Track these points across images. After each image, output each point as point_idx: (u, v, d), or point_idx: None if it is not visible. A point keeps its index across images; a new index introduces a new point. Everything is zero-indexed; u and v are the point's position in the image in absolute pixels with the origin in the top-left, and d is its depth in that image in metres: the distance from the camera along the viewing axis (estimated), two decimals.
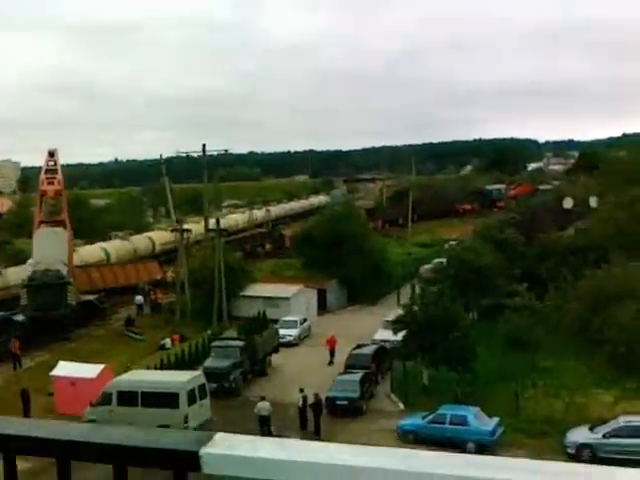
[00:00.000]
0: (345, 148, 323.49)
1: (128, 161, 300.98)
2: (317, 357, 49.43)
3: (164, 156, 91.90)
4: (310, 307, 62.65)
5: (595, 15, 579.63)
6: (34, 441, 2.10)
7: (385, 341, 48.70)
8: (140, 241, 78.31)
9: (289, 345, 53.02)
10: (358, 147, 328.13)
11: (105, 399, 38.08)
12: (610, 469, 1.78)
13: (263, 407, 37.33)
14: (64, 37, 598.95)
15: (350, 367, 44.03)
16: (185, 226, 66.14)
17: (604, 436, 33.27)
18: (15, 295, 56.88)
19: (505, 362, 44.15)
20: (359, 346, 47.54)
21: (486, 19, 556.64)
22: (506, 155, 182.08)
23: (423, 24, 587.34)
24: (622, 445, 32.55)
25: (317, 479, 1.86)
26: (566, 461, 32.37)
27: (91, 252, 69.89)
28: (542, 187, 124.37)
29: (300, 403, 38.52)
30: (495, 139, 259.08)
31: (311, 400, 38.41)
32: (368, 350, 46.55)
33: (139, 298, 63.55)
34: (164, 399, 36.65)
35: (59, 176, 60.01)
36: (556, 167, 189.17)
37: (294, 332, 55.12)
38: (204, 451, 1.90)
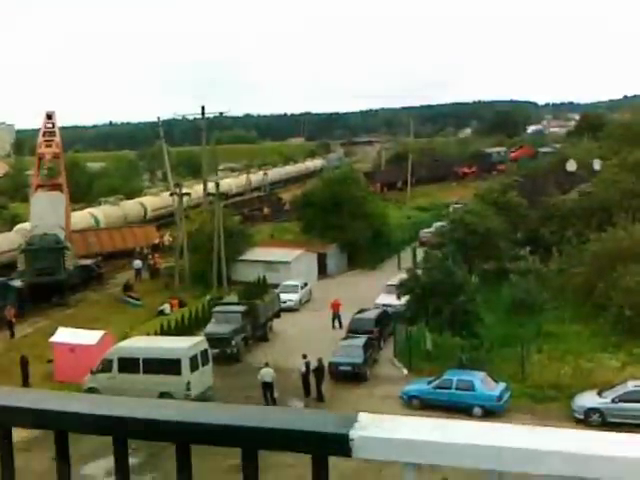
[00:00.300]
0: (342, 110, 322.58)
1: (123, 124, 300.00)
2: (319, 322, 49.09)
3: (160, 119, 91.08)
4: (310, 272, 62.29)
5: None
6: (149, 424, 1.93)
7: (387, 305, 48.39)
8: (131, 207, 77.72)
9: (290, 310, 52.65)
10: (355, 109, 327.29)
11: (105, 366, 37.87)
12: None
13: (267, 373, 37.06)
14: None
15: (353, 332, 43.73)
16: (184, 190, 65.52)
17: (613, 401, 33.07)
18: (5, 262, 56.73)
19: (510, 327, 43.98)
20: (362, 311, 47.18)
21: None
22: (506, 117, 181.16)
23: None
24: (632, 409, 32.41)
25: (483, 463, 1.72)
26: (573, 426, 32.34)
27: (79, 218, 68.71)
28: (543, 150, 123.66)
29: (303, 369, 38.26)
30: (494, 101, 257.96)
31: (314, 366, 38.18)
32: (371, 315, 46.18)
33: (137, 263, 63.18)
34: (166, 366, 36.41)
35: (57, 139, 59.56)
36: (556, 129, 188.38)
37: (295, 297, 54.78)
38: (356, 434, 1.78)
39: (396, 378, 39.85)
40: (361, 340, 41.22)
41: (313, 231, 68.07)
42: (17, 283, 52.57)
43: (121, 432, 1.95)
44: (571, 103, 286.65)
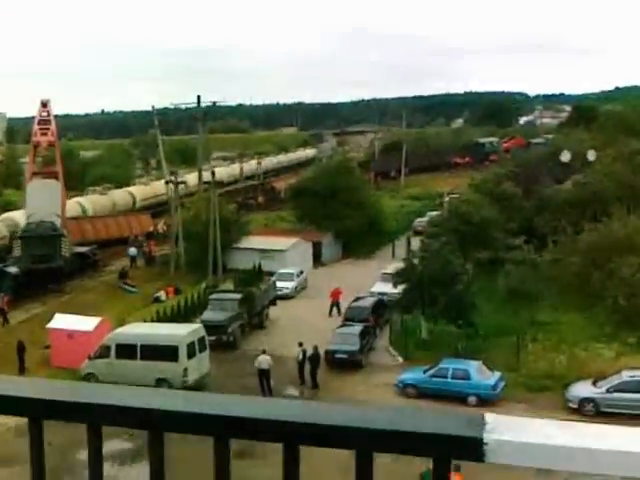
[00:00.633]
0: (334, 100, 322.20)
1: (115, 112, 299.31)
2: (315, 310, 49.11)
3: (154, 108, 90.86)
4: (305, 260, 62.37)
5: None
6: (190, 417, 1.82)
7: (383, 294, 48.51)
8: (120, 196, 77.11)
9: (285, 298, 52.70)
10: (347, 99, 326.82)
11: (103, 352, 37.95)
12: None
13: (264, 360, 37.12)
14: None
15: (349, 320, 43.84)
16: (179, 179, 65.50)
17: (608, 390, 33.22)
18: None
19: (504, 316, 44.09)
20: (358, 299, 47.28)
21: None
22: (497, 108, 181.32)
23: None
24: (626, 400, 32.56)
25: (627, 470, 1.57)
26: (568, 415, 32.51)
27: (67, 207, 67.95)
28: (535, 141, 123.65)
29: (300, 357, 38.32)
30: (486, 92, 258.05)
31: (310, 353, 38.26)
32: (367, 303, 46.30)
33: (132, 250, 63.20)
34: (163, 352, 36.53)
35: (52, 127, 59.56)
36: (548, 120, 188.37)
37: (291, 285, 54.85)
38: (489, 437, 1.64)
39: (392, 366, 39.99)
40: (357, 328, 41.31)
41: (308, 220, 68.13)
42: (13, 270, 52.54)
43: (222, 431, 1.83)
44: (562, 94, 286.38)
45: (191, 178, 73.84)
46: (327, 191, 67.68)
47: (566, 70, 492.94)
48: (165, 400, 1.87)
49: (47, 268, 52.84)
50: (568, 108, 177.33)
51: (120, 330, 39.89)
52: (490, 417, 1.71)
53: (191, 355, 36.87)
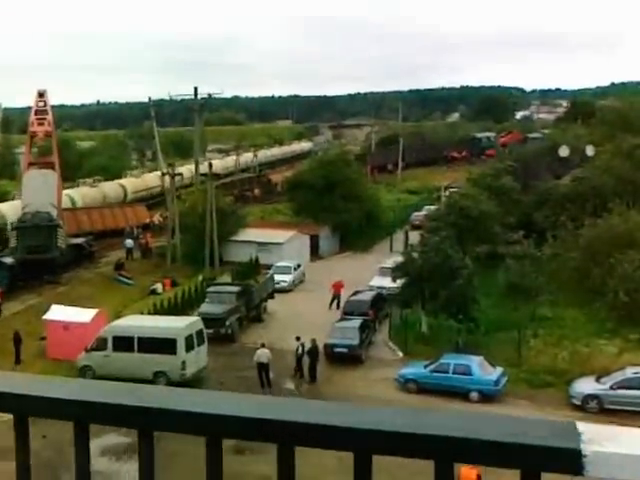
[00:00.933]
0: (330, 94, 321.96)
1: (111, 103, 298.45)
2: (313, 303, 48.78)
3: (147, 99, 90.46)
4: (303, 253, 62.02)
5: None
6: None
7: (381, 288, 48.19)
8: (110, 188, 76.01)
9: (283, 291, 52.33)
10: (343, 93, 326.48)
11: (100, 344, 37.61)
12: None
13: (263, 354, 36.73)
14: None
15: (348, 314, 43.47)
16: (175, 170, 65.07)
17: (611, 387, 32.93)
18: None
19: (505, 311, 43.84)
20: (356, 292, 46.92)
21: None
22: (494, 103, 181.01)
23: None
24: (630, 396, 32.27)
25: None
26: (571, 412, 32.23)
27: None
28: (532, 135, 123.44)
29: (300, 351, 37.90)
30: (482, 86, 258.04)
31: (308, 347, 37.88)
32: (366, 297, 45.95)
33: (129, 242, 62.74)
34: (161, 345, 36.24)
35: (49, 117, 59.16)
36: (544, 115, 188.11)
37: (288, 278, 54.47)
38: (588, 449, 1.50)
39: (391, 361, 39.71)
40: (357, 322, 40.97)
41: (305, 213, 67.72)
42: (8, 260, 52.09)
43: (213, 431, 1.74)
44: (558, 89, 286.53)
45: (185, 170, 73.19)
46: (324, 184, 67.33)
47: (562, 65, 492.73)
48: (153, 398, 1.80)
49: (43, 259, 52.37)
50: (564, 103, 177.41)
51: (117, 322, 39.59)
52: (583, 426, 1.59)
53: (189, 348, 36.51)
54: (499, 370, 35.22)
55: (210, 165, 61.50)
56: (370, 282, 50.77)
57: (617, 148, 63.85)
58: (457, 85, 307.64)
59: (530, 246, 49.81)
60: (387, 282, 47.27)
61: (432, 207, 72.25)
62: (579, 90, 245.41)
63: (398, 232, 69.12)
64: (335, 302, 48.41)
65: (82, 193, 71.18)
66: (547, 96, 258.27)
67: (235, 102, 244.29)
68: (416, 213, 76.71)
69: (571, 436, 1.55)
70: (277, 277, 52.35)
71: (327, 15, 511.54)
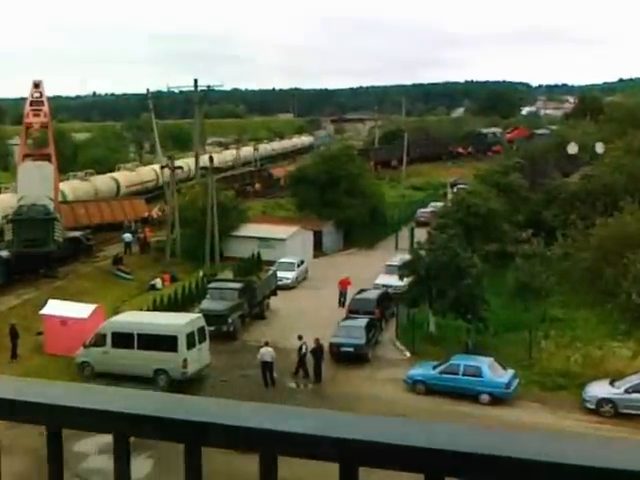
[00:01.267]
0: (331, 87, 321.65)
1: (107, 95, 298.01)
2: (316, 301, 48.52)
3: (145, 91, 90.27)
4: (306, 249, 61.58)
5: None
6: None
7: (387, 286, 47.92)
8: (102, 182, 74.71)
9: (286, 288, 51.98)
10: (345, 86, 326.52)
11: (99, 340, 37.37)
12: None
13: (266, 353, 36.44)
14: None
15: (353, 312, 43.14)
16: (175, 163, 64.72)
17: (626, 391, 32.63)
18: None
19: (514, 311, 43.58)
20: (362, 291, 46.60)
21: None
22: (499, 98, 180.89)
23: None
24: None
25: None
26: (585, 416, 31.98)
27: None
28: (539, 132, 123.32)
29: (304, 350, 37.53)
30: (487, 81, 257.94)
31: (311, 347, 37.52)
32: (372, 295, 45.59)
33: (127, 236, 62.35)
34: (162, 342, 35.98)
35: (45, 108, 58.68)
36: (550, 111, 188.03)
37: (291, 275, 54.11)
38: None
39: (399, 361, 39.43)
40: (363, 321, 40.63)
41: (308, 208, 67.36)
42: (4, 253, 51.77)
43: (190, 437, 1.69)
44: (565, 85, 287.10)
45: (184, 163, 72.65)
46: (328, 179, 67.00)
47: (569, 61, 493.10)
48: (127, 403, 1.75)
49: (39, 253, 52.01)
50: (571, 99, 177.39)
51: (117, 318, 39.32)
52: None
53: (191, 345, 36.22)
54: (510, 372, 34.92)
55: (211, 158, 61.15)
56: (376, 280, 50.49)
57: (628, 145, 63.65)
58: (461, 80, 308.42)
59: (540, 245, 49.60)
60: (393, 280, 47.02)
61: (438, 204, 72.03)
62: (586, 86, 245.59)
63: (403, 229, 68.79)
64: (342, 300, 48.01)
65: (73, 187, 70.19)
66: (554, 92, 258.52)
67: (235, 95, 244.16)
68: (421, 210, 76.45)
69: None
70: (280, 274, 51.98)
71: (329, 7, 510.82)
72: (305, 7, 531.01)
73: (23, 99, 61.86)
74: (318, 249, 64.42)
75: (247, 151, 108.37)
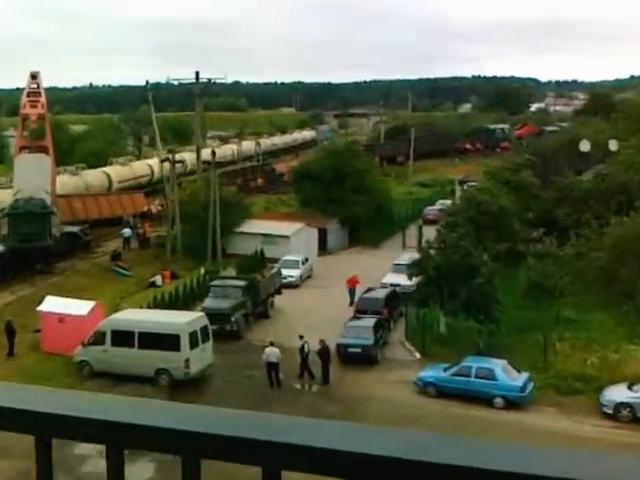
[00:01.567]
0: (335, 81, 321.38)
1: (104, 86, 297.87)
2: (322, 299, 48.20)
3: (145, 83, 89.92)
4: (310, 247, 61.24)
5: None
6: None
7: (395, 285, 47.61)
8: (93, 176, 74.16)
9: (290, 286, 51.68)
10: (349, 80, 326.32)
11: (98, 338, 37.09)
12: None
13: (272, 353, 36.09)
14: None
15: (361, 312, 42.78)
16: (176, 157, 64.51)
17: None
18: None
19: (528, 312, 43.23)
20: (369, 290, 46.29)
21: None
22: (507, 94, 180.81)
23: None
24: None
25: None
26: (602, 421, 31.71)
27: None
28: (548, 128, 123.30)
29: (307, 351, 37.13)
30: (495, 77, 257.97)
31: (315, 347, 37.14)
32: (380, 294, 45.22)
33: (127, 231, 62.16)
34: (163, 341, 35.73)
35: (43, 99, 58.69)
36: (560, 108, 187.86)
37: (296, 272, 53.74)
38: None
39: (408, 362, 39.15)
40: (371, 321, 40.27)
41: (312, 204, 66.94)
42: None
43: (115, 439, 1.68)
44: (575, 81, 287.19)
45: (182, 157, 72.25)
46: (333, 174, 66.65)
47: (579, 56, 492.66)
48: (123, 411, 1.69)
49: (36, 247, 51.79)
50: (582, 96, 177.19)
51: (116, 316, 39.04)
52: None
53: (194, 345, 35.91)
54: (525, 375, 34.59)
55: (213, 153, 60.89)
56: (383, 279, 50.19)
57: None
58: (468, 75, 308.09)
59: (552, 244, 49.35)
60: (401, 279, 46.73)
61: (446, 201, 71.77)
62: (597, 82, 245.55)
63: (410, 227, 68.46)
64: (352, 298, 47.64)
65: (62, 182, 69.10)
66: (563, 88, 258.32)
67: (236, 88, 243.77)
68: (429, 207, 76.13)
69: None
70: (284, 271, 51.59)
71: (332, 1, 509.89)
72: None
73: (18, 90, 61.68)
74: (322, 247, 64.06)
75: (248, 146, 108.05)
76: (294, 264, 54.49)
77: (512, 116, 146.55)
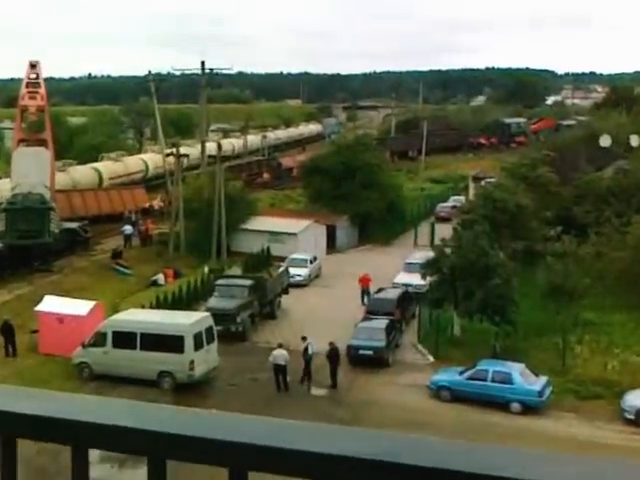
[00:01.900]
0: (343, 72, 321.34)
1: (103, 77, 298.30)
2: (330, 299, 48.20)
3: (147, 72, 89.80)
4: (319, 245, 61.19)
5: None
6: None
7: (407, 285, 47.56)
8: (82, 173, 73.44)
9: (298, 286, 51.65)
10: (357, 71, 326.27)
11: (98, 340, 37.09)
12: None
13: (279, 355, 36.03)
14: None
15: (372, 313, 42.68)
16: (181, 150, 64.50)
17: None
18: None
19: (545, 314, 43.12)
20: (381, 290, 46.23)
21: None
22: (523, 86, 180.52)
23: None
24: None
25: None
26: (624, 427, 31.61)
27: None
28: (565, 122, 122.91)
29: (311, 352, 36.90)
30: (509, 68, 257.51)
31: (325, 349, 37.06)
32: (392, 295, 45.13)
33: (127, 228, 62.13)
34: (167, 342, 35.69)
35: (42, 90, 58.52)
36: (577, 101, 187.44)
37: (304, 272, 53.70)
38: None
39: (421, 365, 39.15)
40: (382, 322, 40.19)
41: (321, 200, 66.81)
42: None
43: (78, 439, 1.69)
44: (593, 73, 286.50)
45: (184, 151, 72.18)
46: (343, 170, 66.52)
47: (597, 47, 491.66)
48: (166, 421, 1.67)
49: (34, 244, 51.85)
50: (600, 88, 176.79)
51: (118, 316, 39.01)
52: None
53: (198, 346, 35.87)
54: (543, 379, 34.49)
55: (219, 146, 60.90)
56: (395, 279, 50.12)
57: None
58: (482, 66, 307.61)
59: (572, 243, 49.17)
60: (414, 279, 46.66)
61: (460, 198, 71.65)
62: (616, 75, 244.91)
63: (422, 224, 68.36)
64: (364, 298, 47.59)
65: None
66: (581, 80, 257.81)
67: (240, 79, 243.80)
68: (442, 204, 76.01)
69: None
70: (292, 270, 51.58)
71: None
72: None
73: (12, 80, 61.58)
74: (331, 245, 63.94)
75: (253, 139, 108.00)
76: (302, 263, 54.46)
77: (528, 109, 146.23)
